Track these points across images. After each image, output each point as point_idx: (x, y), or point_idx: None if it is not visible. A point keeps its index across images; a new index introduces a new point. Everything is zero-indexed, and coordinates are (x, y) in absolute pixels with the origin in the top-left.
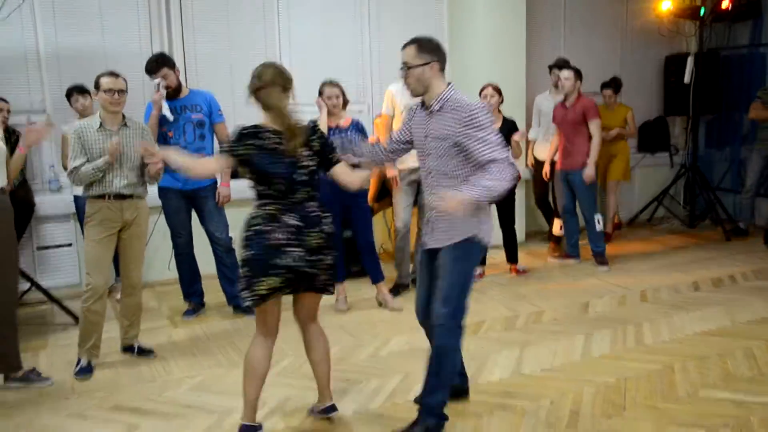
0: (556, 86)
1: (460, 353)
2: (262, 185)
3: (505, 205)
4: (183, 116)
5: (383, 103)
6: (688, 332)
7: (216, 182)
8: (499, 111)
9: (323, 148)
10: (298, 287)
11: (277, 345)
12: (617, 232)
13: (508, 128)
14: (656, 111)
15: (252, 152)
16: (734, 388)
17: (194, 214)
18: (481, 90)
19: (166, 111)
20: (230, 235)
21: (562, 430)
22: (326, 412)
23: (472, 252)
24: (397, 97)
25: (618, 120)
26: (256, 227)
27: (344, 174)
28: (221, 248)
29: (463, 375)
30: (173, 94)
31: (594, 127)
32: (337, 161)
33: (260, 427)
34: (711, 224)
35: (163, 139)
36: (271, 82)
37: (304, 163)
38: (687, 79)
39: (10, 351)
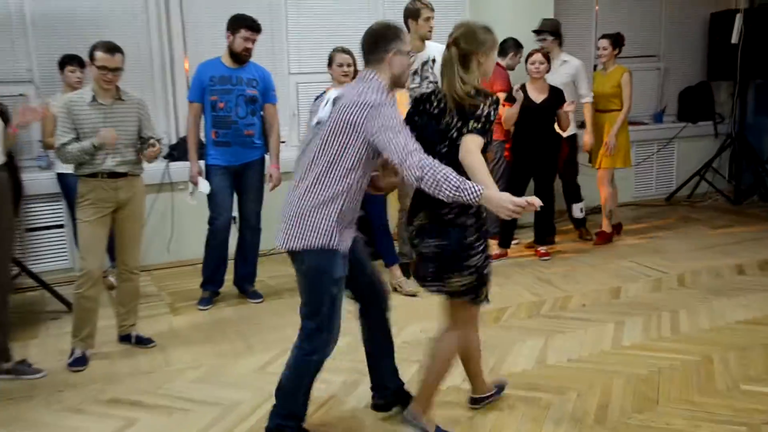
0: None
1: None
2: None
3: (543, 177)
4: (237, 88)
5: None
6: (729, 320)
7: (263, 156)
8: (545, 79)
9: None
10: None
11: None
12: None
13: (556, 98)
14: (699, 75)
15: None
16: None
17: None
18: (528, 56)
19: (204, 186)
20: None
21: (589, 425)
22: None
23: None
24: (437, 58)
25: (610, 85)
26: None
27: None
28: (251, 227)
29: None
30: (241, 60)
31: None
32: None
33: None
34: (759, 201)
35: (211, 109)
36: None
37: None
38: (735, 38)
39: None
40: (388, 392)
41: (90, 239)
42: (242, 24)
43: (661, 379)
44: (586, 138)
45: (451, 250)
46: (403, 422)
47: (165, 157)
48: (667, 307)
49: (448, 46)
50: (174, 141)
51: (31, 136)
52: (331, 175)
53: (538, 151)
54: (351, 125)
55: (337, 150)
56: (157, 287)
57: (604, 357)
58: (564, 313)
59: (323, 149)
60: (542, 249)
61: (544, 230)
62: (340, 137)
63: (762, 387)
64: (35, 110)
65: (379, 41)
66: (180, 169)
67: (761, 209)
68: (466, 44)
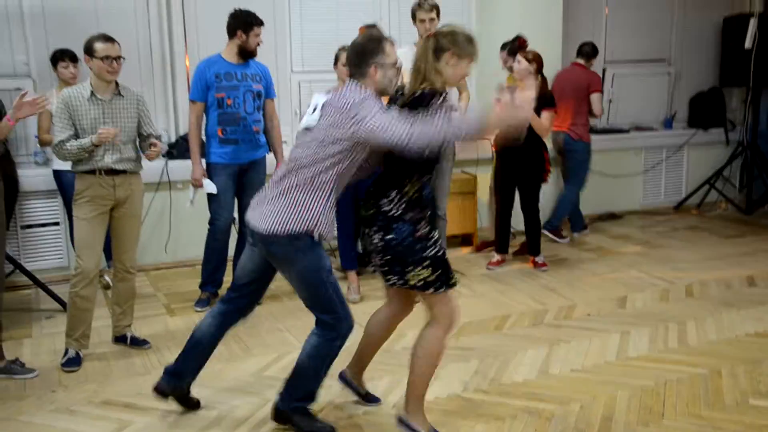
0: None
1: None
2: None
3: (528, 184)
4: (244, 84)
5: None
6: (739, 332)
7: (266, 154)
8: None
9: None
10: None
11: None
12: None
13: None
14: (711, 81)
15: None
16: None
17: None
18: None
19: (210, 187)
20: None
21: None
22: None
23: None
24: (403, 63)
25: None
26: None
27: None
28: None
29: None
30: (247, 56)
31: None
32: None
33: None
34: None
35: (218, 106)
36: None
37: None
38: (748, 44)
39: None
40: (180, 383)
41: (87, 237)
42: (255, 22)
43: (668, 391)
44: None
45: (404, 245)
46: (397, 424)
47: (164, 156)
48: (675, 318)
49: (426, 38)
50: (173, 139)
51: (28, 132)
52: (318, 170)
53: (525, 157)
54: (336, 125)
55: (323, 147)
56: (153, 288)
57: (608, 368)
58: (568, 322)
59: (311, 148)
60: (539, 259)
61: (536, 239)
62: (327, 137)
63: None
64: (33, 103)
65: (360, 56)
66: (179, 168)
67: None
68: (444, 40)
